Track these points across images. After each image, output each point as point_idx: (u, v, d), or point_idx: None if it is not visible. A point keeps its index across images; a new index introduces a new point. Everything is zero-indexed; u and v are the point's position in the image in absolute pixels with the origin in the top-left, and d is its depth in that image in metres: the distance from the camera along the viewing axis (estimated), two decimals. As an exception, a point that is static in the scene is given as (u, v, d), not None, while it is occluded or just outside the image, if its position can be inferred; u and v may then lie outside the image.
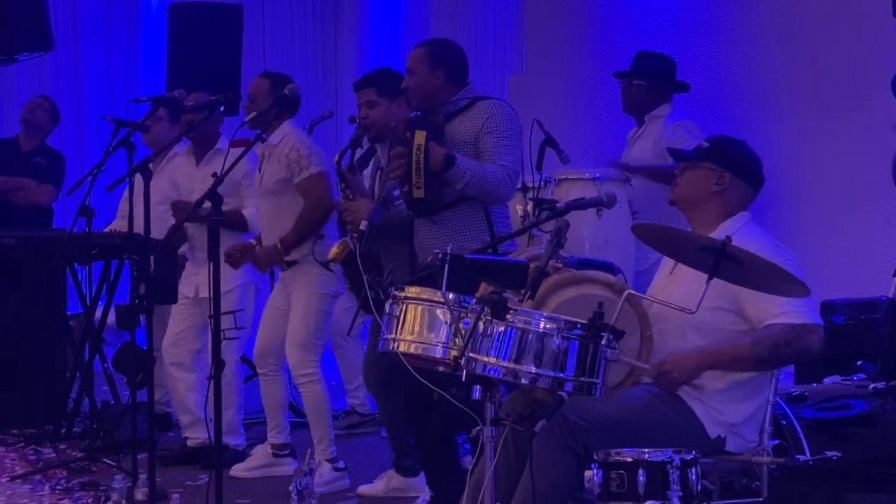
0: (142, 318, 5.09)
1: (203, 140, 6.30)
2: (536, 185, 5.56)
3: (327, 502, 5.36)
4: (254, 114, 5.38)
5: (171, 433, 6.96)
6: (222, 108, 5.79)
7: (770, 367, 3.76)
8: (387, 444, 5.60)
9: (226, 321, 4.65)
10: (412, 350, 3.44)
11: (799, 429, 4.25)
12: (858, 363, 4.91)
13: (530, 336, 3.28)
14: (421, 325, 3.43)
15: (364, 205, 5.22)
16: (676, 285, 3.87)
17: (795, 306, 3.68)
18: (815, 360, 3.83)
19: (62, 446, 6.67)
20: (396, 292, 3.50)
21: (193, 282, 6.18)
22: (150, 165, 5.29)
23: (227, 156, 5.27)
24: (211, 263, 4.43)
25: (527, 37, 9.04)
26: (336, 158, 5.43)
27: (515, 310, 3.31)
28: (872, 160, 6.23)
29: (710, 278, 3.46)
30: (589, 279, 3.76)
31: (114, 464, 5.93)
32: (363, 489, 5.52)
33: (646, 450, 3.37)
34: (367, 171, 5.67)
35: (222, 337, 4.46)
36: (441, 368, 3.46)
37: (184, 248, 6.43)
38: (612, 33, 8.15)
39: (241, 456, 6.09)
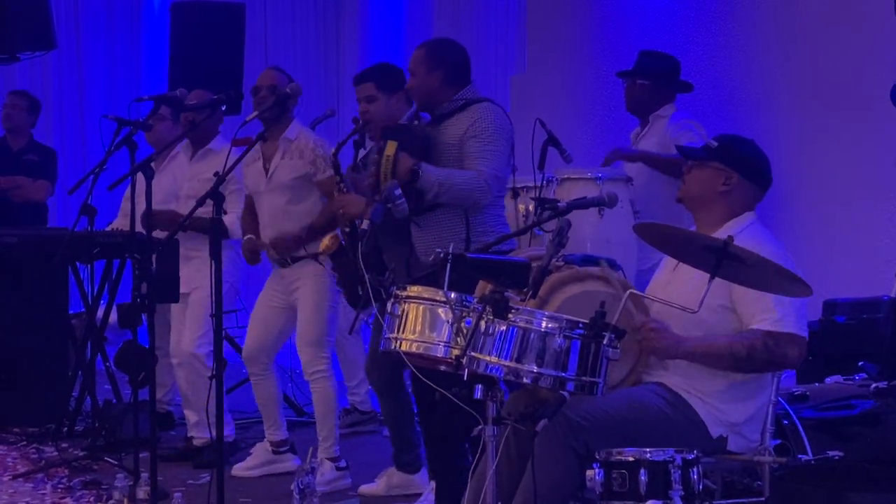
0: (143, 316, 5.09)
1: (201, 138, 6.30)
2: (538, 184, 5.56)
3: (329, 501, 5.36)
4: (272, 100, 5.39)
5: (173, 432, 6.96)
6: (224, 108, 5.78)
7: (745, 370, 3.74)
8: (388, 443, 5.60)
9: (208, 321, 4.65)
10: (414, 349, 3.44)
11: (801, 428, 4.25)
12: (860, 363, 4.91)
13: (532, 335, 3.28)
14: (423, 324, 3.44)
15: (354, 199, 5.23)
16: (678, 283, 3.87)
17: (784, 314, 3.68)
18: (791, 369, 3.81)
19: (64, 445, 6.67)
20: (398, 291, 3.51)
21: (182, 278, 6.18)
22: (152, 164, 5.29)
23: (228, 154, 5.27)
24: (213, 262, 4.43)
25: (529, 35, 9.04)
26: (333, 150, 5.42)
27: (517, 309, 3.31)
28: (874, 159, 6.23)
29: (711, 278, 3.46)
30: (591, 276, 3.76)
31: (116, 462, 5.93)
32: (364, 489, 5.52)
33: (647, 449, 3.37)
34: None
35: (224, 337, 4.47)
36: (443, 368, 3.47)
37: None
38: (615, 32, 8.15)
39: (231, 448, 6.08)
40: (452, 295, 3.40)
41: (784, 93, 6.88)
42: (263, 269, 6.06)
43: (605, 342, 3.29)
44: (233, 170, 4.77)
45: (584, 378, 3.29)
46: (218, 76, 7.92)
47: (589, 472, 3.39)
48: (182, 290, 6.11)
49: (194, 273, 6.10)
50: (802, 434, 4.23)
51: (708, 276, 3.47)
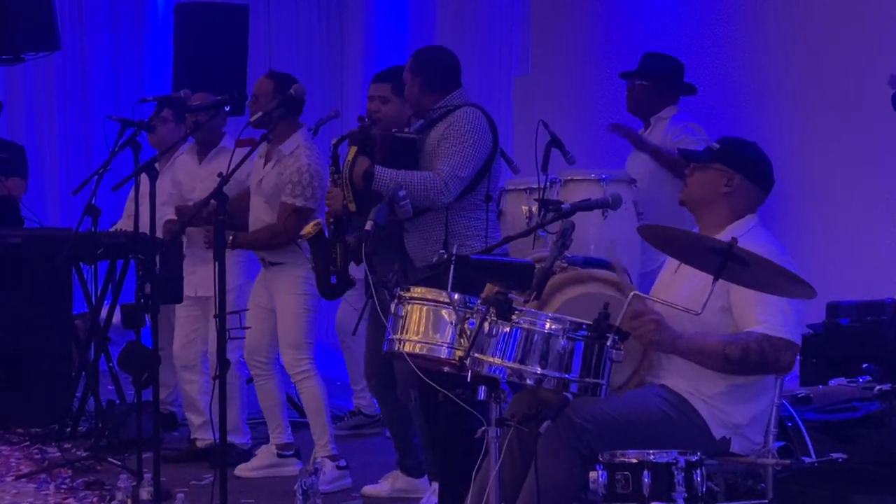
0: (147, 317, 5.09)
1: (207, 138, 6.31)
2: (542, 185, 5.56)
3: (331, 502, 5.36)
4: (259, 114, 5.38)
5: (177, 432, 6.96)
6: (228, 108, 5.78)
7: (735, 372, 3.72)
8: (392, 445, 5.60)
9: (230, 321, 4.66)
10: (417, 350, 3.44)
11: (804, 430, 4.24)
12: (864, 365, 4.90)
13: (536, 337, 3.28)
14: (426, 325, 3.43)
15: (338, 194, 5.24)
16: (679, 284, 3.86)
17: (779, 320, 3.67)
18: (782, 374, 3.80)
19: (67, 445, 6.68)
20: (402, 293, 3.51)
21: (192, 281, 6.18)
22: (156, 165, 5.29)
23: (232, 155, 5.26)
24: (216, 263, 4.43)
25: (533, 37, 9.03)
26: (333, 142, 5.42)
27: (521, 310, 3.31)
28: (878, 162, 6.23)
29: (715, 280, 3.46)
30: (594, 277, 3.76)
31: (119, 463, 5.93)
32: (368, 489, 5.52)
33: (651, 451, 3.37)
34: None
35: (227, 336, 4.47)
36: (446, 369, 3.46)
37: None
38: (618, 34, 8.14)
39: (246, 455, 6.10)
40: (456, 296, 3.40)
41: (788, 95, 6.87)
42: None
43: (608, 344, 3.29)
44: (236, 171, 4.77)
45: (587, 379, 3.29)
46: (222, 77, 7.93)
47: (592, 474, 3.39)
48: (202, 293, 6.10)
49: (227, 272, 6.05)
50: (806, 436, 4.23)
51: (710, 277, 3.47)
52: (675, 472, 3.32)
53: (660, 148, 6.14)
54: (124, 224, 7.05)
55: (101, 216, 6.26)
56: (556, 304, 3.64)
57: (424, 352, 3.44)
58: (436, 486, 5.16)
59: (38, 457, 6.43)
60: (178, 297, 5.98)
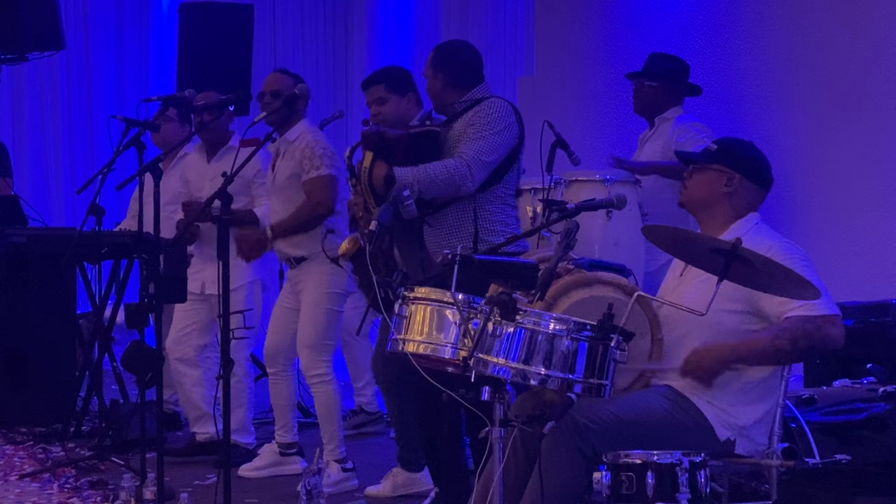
0: (151, 317, 5.10)
1: (215, 138, 6.31)
2: (546, 186, 5.56)
3: (335, 503, 5.36)
4: (278, 104, 5.40)
5: (180, 432, 6.96)
6: (232, 108, 5.79)
7: (792, 360, 3.75)
8: (395, 444, 5.60)
9: (235, 320, 4.66)
10: (421, 350, 3.44)
11: (808, 432, 4.23)
12: (868, 366, 4.89)
13: (540, 337, 3.28)
14: (430, 325, 3.43)
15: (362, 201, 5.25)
16: (686, 287, 3.86)
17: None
18: (836, 350, 3.80)
19: (71, 445, 6.68)
20: (406, 293, 3.50)
21: (199, 278, 6.18)
22: (160, 165, 5.29)
23: (237, 154, 5.27)
24: (220, 262, 4.43)
25: (537, 37, 9.04)
26: (347, 153, 5.42)
27: (525, 311, 3.31)
28: (884, 162, 6.22)
29: (720, 280, 3.45)
30: (600, 281, 3.75)
31: (122, 463, 5.94)
32: (370, 490, 5.51)
33: (655, 452, 3.37)
34: None
35: (231, 336, 4.47)
36: (450, 369, 3.46)
37: (191, 247, 6.43)
38: (623, 34, 8.14)
39: (251, 455, 6.10)
40: (460, 296, 3.40)
41: (793, 95, 6.87)
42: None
43: (612, 344, 3.29)
44: (240, 170, 4.77)
45: (591, 380, 3.29)
46: (226, 76, 7.94)
47: (596, 475, 3.39)
48: (209, 290, 6.10)
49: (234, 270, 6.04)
50: (810, 437, 4.22)
51: (716, 278, 3.46)
52: (679, 473, 3.32)
53: (653, 164, 6.12)
54: (128, 224, 7.05)
55: (105, 216, 6.26)
56: (562, 308, 3.64)
57: (428, 352, 3.43)
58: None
59: (41, 456, 6.44)
60: (182, 297, 5.97)
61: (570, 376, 3.27)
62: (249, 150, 5.15)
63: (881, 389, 4.54)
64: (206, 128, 6.08)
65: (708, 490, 3.37)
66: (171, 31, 9.85)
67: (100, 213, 6.17)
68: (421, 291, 3.48)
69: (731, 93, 7.22)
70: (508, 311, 3.27)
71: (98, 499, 5.50)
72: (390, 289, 3.60)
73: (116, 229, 7.12)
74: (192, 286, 6.19)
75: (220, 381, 4.45)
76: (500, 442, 3.33)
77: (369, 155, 4.77)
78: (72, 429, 6.95)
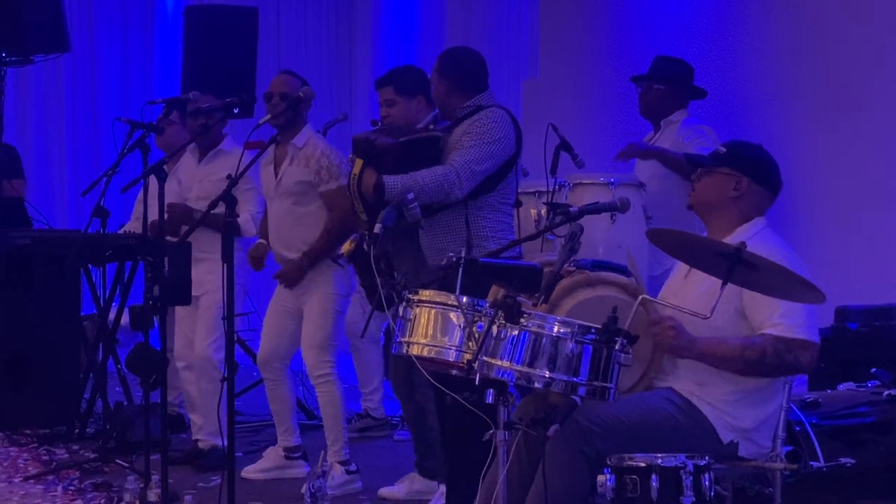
0: (155, 319, 5.10)
1: (207, 140, 6.30)
2: (551, 189, 5.56)
3: (340, 504, 5.37)
4: (283, 105, 5.40)
5: (184, 434, 6.97)
6: (237, 111, 5.79)
7: (755, 374, 3.72)
8: (400, 448, 5.61)
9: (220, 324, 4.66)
10: (425, 353, 3.44)
11: (812, 435, 4.23)
12: (873, 370, 4.89)
13: (544, 340, 3.28)
14: (434, 328, 3.43)
15: None
16: (690, 289, 3.86)
17: (793, 320, 3.67)
18: (803, 374, 3.79)
19: (75, 447, 6.69)
20: (410, 295, 3.50)
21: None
22: (164, 167, 5.30)
23: (241, 157, 5.27)
24: (224, 265, 4.44)
25: (541, 41, 9.04)
26: (350, 158, 5.43)
27: (529, 314, 3.31)
28: (889, 165, 6.22)
29: (724, 284, 3.45)
30: (603, 281, 3.75)
31: (126, 465, 5.94)
32: (384, 491, 5.50)
33: (659, 455, 3.37)
34: None
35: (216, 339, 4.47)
36: (454, 372, 3.46)
37: None
38: (627, 37, 8.14)
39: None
40: (464, 299, 3.40)
41: (798, 99, 6.87)
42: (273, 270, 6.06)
43: (616, 347, 3.29)
44: (245, 172, 4.77)
45: (595, 383, 3.29)
46: (231, 79, 7.94)
47: (600, 478, 3.38)
48: (193, 292, 6.10)
49: (205, 275, 6.08)
50: (814, 441, 4.22)
51: (720, 281, 3.46)
52: (684, 476, 3.32)
53: (663, 151, 6.12)
54: (133, 226, 7.06)
55: (109, 218, 6.27)
56: (566, 308, 3.64)
57: (433, 355, 3.43)
58: (443, 488, 5.16)
59: (46, 458, 6.44)
60: (186, 299, 5.97)
61: (575, 379, 3.27)
62: (253, 152, 5.15)
63: (885, 393, 4.54)
64: (209, 131, 6.07)
65: (712, 493, 3.37)
66: (176, 33, 9.86)
67: (104, 216, 6.18)
68: (425, 294, 3.48)
69: (735, 96, 7.22)
70: (512, 314, 3.27)
71: (102, 501, 5.50)
72: (394, 291, 3.60)
73: (121, 231, 7.12)
74: (193, 290, 6.19)
75: (224, 383, 4.45)
76: (504, 445, 3.33)
77: (359, 162, 4.79)
78: (76, 431, 6.96)
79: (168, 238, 5.54)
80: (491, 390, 3.30)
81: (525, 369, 3.27)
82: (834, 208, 6.54)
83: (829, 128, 6.61)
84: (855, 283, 6.10)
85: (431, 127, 5.07)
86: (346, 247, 5.33)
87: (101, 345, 7.03)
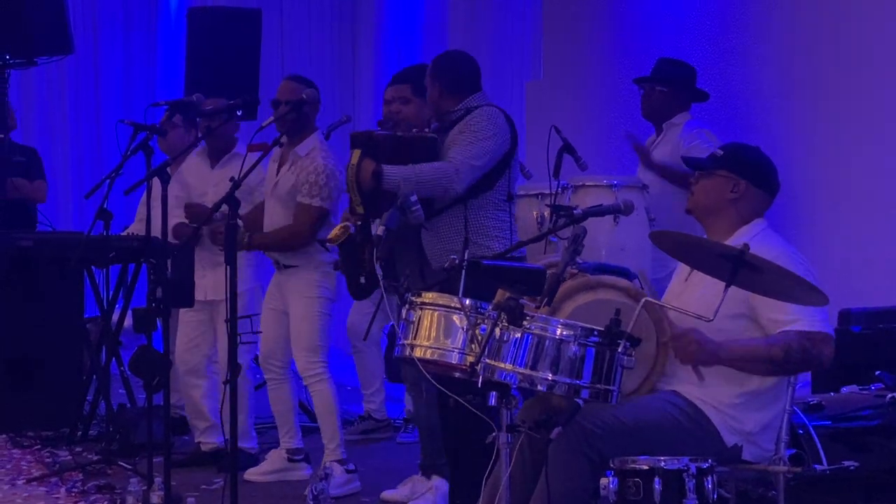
0: (159, 321, 5.10)
1: (220, 144, 6.29)
2: (554, 191, 5.56)
3: (340, 505, 5.37)
4: (287, 109, 5.41)
5: (187, 437, 6.96)
6: (240, 113, 5.79)
7: (781, 373, 3.73)
8: (403, 450, 5.60)
9: (241, 325, 4.66)
10: (428, 356, 3.44)
11: (816, 438, 4.23)
12: (877, 373, 4.88)
13: (547, 343, 3.28)
14: (437, 330, 3.43)
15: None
16: (692, 291, 3.85)
17: (809, 314, 3.67)
18: (824, 369, 3.79)
19: (78, 449, 6.69)
20: (413, 298, 3.51)
21: (202, 285, 6.13)
22: (168, 170, 5.30)
23: (244, 160, 5.27)
24: (227, 267, 4.44)
25: (545, 42, 9.03)
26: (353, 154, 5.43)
27: (532, 316, 3.31)
28: (891, 168, 6.21)
29: (727, 286, 3.45)
30: (605, 284, 3.75)
31: (129, 467, 5.94)
32: (386, 494, 5.50)
33: (662, 458, 3.36)
34: None
35: (238, 341, 4.47)
36: (457, 374, 3.46)
37: None
38: (631, 39, 8.14)
39: (253, 459, 6.10)
40: (467, 301, 3.40)
41: (800, 101, 6.86)
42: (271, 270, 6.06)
43: (619, 350, 3.29)
44: (248, 175, 4.77)
45: (598, 386, 3.29)
46: (234, 81, 7.93)
47: (603, 480, 3.38)
48: (211, 297, 6.09)
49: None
50: (818, 444, 4.21)
51: (723, 283, 3.46)
52: (686, 479, 3.31)
53: (666, 165, 6.11)
54: (136, 228, 7.06)
55: (112, 220, 6.27)
56: (567, 311, 3.64)
57: (435, 357, 3.44)
58: (433, 483, 5.16)
59: (49, 460, 6.44)
60: (189, 302, 5.97)
61: (578, 382, 3.27)
62: (256, 154, 5.15)
63: (889, 396, 4.54)
64: (213, 133, 6.07)
65: (715, 496, 3.37)
66: (180, 35, 9.87)
67: (108, 218, 6.17)
68: (428, 297, 3.48)
69: (737, 98, 7.21)
70: (515, 316, 3.27)
71: (105, 503, 5.50)
72: (398, 293, 3.60)
73: (124, 234, 7.12)
74: (196, 294, 6.19)
75: (227, 385, 4.45)
76: (507, 447, 3.33)
77: (357, 153, 4.83)
78: (79, 433, 6.96)
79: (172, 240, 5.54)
80: (494, 393, 3.30)
81: (528, 372, 3.27)
82: (837, 211, 6.53)
83: (833, 130, 6.60)
84: (858, 286, 6.09)
85: (426, 130, 5.12)
86: (335, 233, 5.30)
87: (104, 347, 7.03)
